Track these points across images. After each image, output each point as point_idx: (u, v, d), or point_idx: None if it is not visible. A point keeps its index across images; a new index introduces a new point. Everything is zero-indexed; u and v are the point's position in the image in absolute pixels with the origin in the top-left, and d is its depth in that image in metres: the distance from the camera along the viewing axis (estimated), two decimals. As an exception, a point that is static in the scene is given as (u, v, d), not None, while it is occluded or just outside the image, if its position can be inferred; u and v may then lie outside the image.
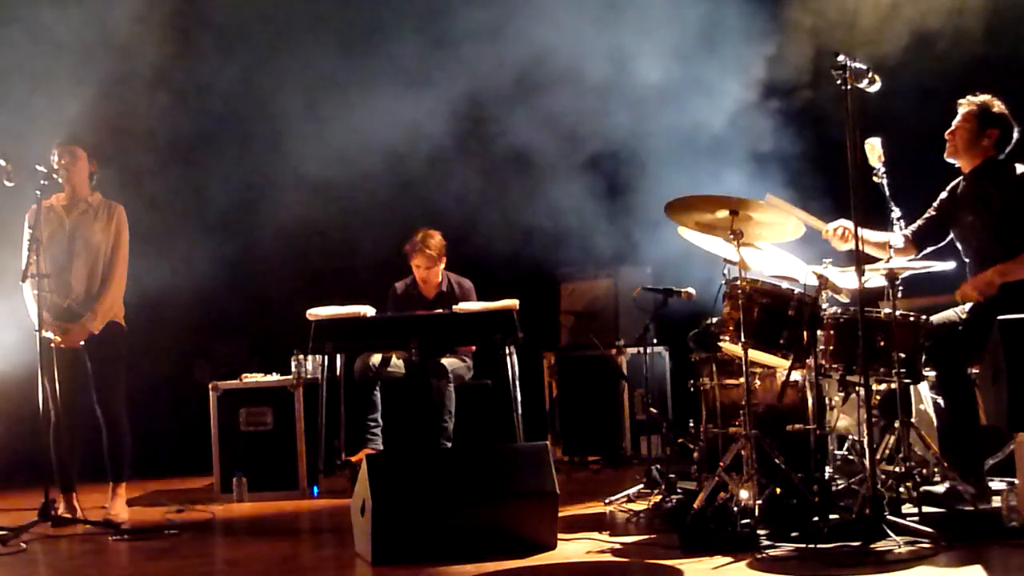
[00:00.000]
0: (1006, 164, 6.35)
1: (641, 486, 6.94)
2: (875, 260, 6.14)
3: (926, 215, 6.60)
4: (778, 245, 6.34)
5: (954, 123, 6.45)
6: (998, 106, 6.38)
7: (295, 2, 9.85)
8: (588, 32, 9.07)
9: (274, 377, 8.18)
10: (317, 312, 7.85)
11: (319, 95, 9.58)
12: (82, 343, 6.93)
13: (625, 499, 6.83)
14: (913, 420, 6.17)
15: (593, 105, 9.24)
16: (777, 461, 5.85)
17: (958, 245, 6.48)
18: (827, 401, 6.20)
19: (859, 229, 5.54)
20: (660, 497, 6.56)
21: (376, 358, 8.37)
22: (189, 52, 9.38)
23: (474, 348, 8.64)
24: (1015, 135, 6.37)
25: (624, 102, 9.08)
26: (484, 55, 9.15)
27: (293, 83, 9.68)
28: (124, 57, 8.87)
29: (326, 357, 8.02)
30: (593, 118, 9.25)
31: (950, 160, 6.50)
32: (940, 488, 6.06)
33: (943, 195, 6.58)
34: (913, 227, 6.54)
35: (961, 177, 6.49)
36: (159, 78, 9.33)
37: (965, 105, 6.42)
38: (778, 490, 5.85)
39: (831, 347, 6.05)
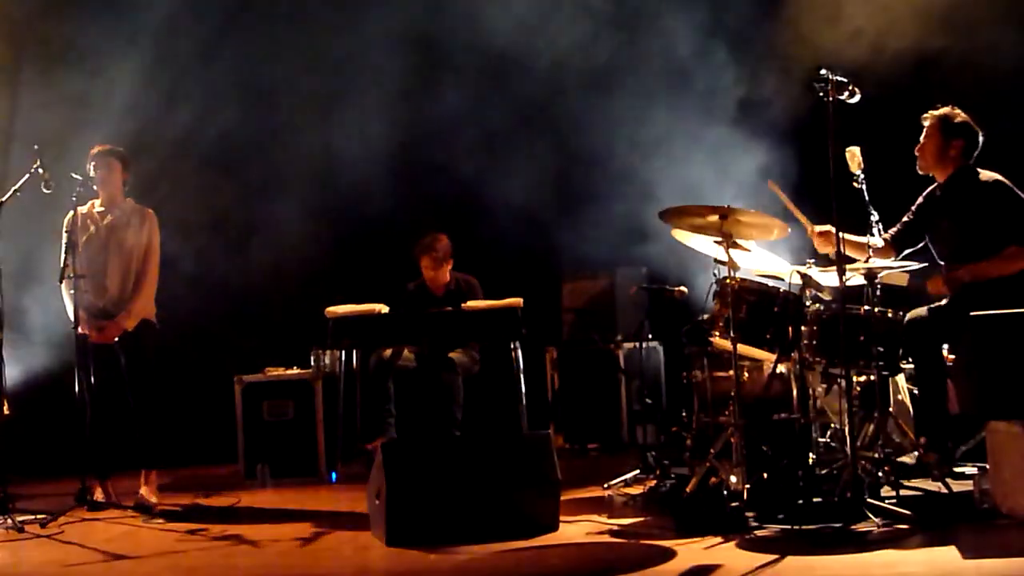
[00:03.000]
0: (973, 172, 6.36)
1: (637, 471, 6.95)
2: (855, 260, 6.14)
3: (904, 220, 6.60)
4: (764, 246, 6.35)
5: (921, 139, 6.46)
6: (960, 116, 6.38)
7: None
8: (592, 28, 9.11)
9: (295, 371, 8.20)
10: (335, 310, 7.84)
11: (334, 97, 9.61)
12: (116, 340, 6.96)
13: (622, 484, 6.84)
14: (891, 409, 6.17)
15: (589, 107, 9.28)
16: (764, 448, 5.87)
17: (932, 248, 6.50)
18: (810, 392, 6.20)
19: (841, 232, 5.57)
20: (655, 482, 6.57)
21: (389, 353, 8.38)
22: (204, 55, 9.42)
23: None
24: (980, 140, 6.38)
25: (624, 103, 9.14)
26: (488, 56, 9.19)
27: (308, 85, 9.70)
28: (148, 67, 8.94)
29: (344, 352, 8.03)
30: (590, 121, 9.29)
31: (924, 173, 6.51)
32: (910, 459, 6.10)
33: (920, 200, 6.58)
34: (892, 231, 6.55)
35: (936, 185, 6.50)
36: (179, 84, 9.38)
37: (928, 120, 6.43)
38: (765, 475, 5.86)
39: (814, 341, 6.05)
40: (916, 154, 6.46)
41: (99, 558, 5.55)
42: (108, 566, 5.41)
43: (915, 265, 6.28)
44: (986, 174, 6.32)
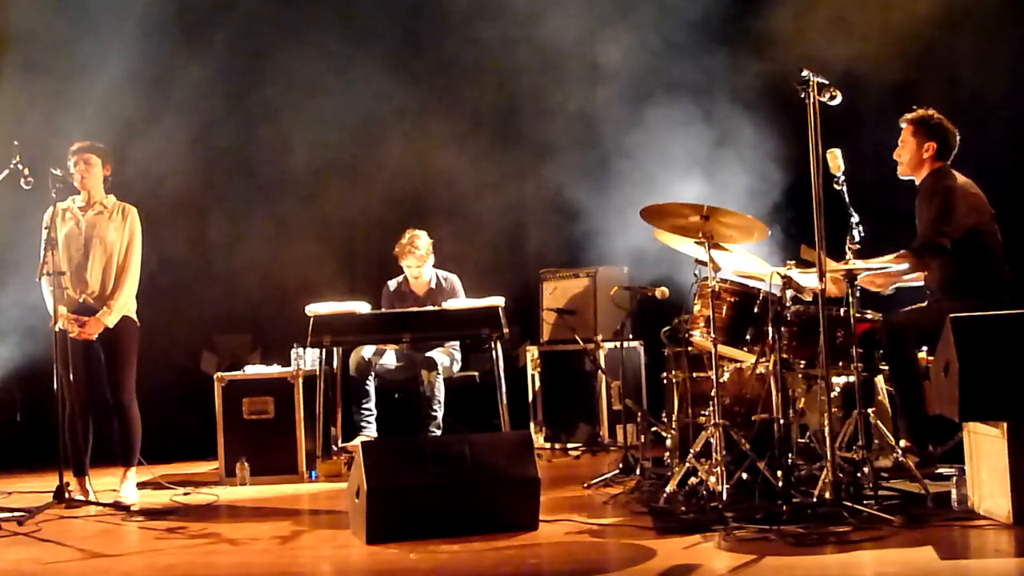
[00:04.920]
0: (945, 172, 6.40)
1: (617, 471, 6.95)
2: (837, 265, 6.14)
3: None
4: (745, 247, 6.36)
5: (899, 142, 6.50)
6: (935, 117, 6.42)
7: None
8: (576, 26, 9.12)
9: (275, 369, 8.18)
10: (316, 308, 7.86)
11: (316, 96, 9.60)
12: (96, 336, 6.93)
13: (602, 483, 6.84)
14: (871, 411, 6.18)
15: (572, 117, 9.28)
16: (744, 448, 5.87)
17: None
18: (790, 393, 6.21)
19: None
20: (635, 481, 6.58)
21: (370, 351, 8.38)
22: (191, 53, 9.41)
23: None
24: (956, 141, 6.43)
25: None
26: (470, 53, 9.20)
27: (290, 83, 9.68)
28: (134, 61, 8.92)
29: (324, 350, 8.03)
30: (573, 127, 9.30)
31: (905, 178, 6.55)
32: (888, 462, 6.11)
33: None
34: None
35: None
36: (164, 84, 9.36)
37: (904, 123, 6.47)
38: (744, 475, 5.88)
39: (794, 342, 6.07)
40: (895, 158, 6.50)
41: (77, 556, 5.53)
42: (86, 564, 5.38)
43: (894, 266, 6.30)
44: (952, 176, 6.36)
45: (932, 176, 6.43)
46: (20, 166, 6.66)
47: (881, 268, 6.20)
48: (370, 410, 8.35)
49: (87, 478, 7.02)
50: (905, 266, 6.25)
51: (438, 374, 8.33)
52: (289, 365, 8.18)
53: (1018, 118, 8.34)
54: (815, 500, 5.42)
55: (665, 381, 6.77)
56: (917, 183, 6.52)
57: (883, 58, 8.12)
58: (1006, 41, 8.39)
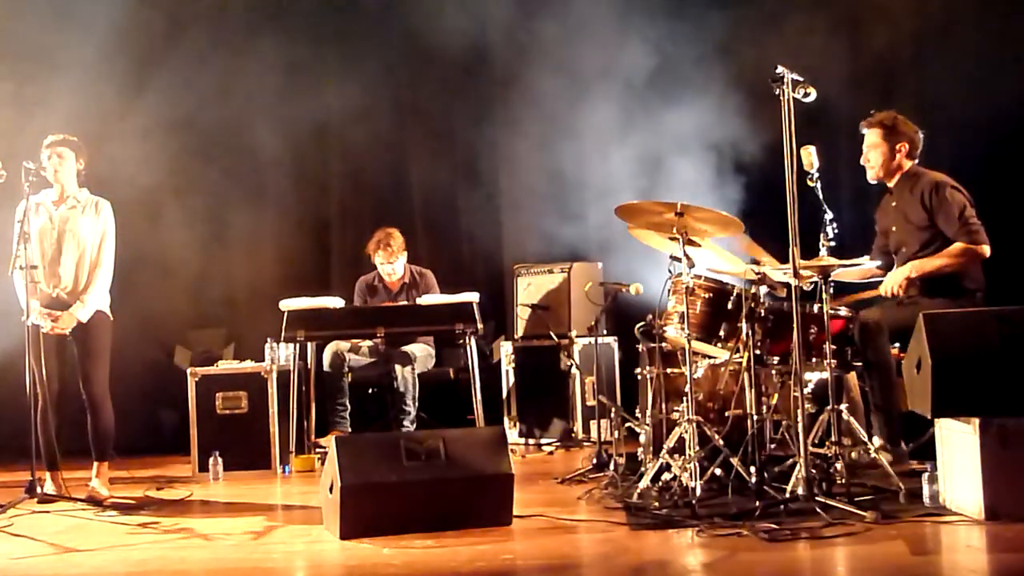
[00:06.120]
0: (920, 172, 6.42)
1: (591, 467, 6.96)
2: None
3: (876, 237, 6.68)
4: (719, 243, 6.37)
5: (864, 148, 6.51)
6: (899, 119, 6.45)
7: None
8: (532, 32, 9.13)
9: (249, 364, 8.14)
10: (289, 303, 7.83)
11: (290, 92, 9.58)
12: (69, 330, 6.88)
13: (576, 479, 6.84)
14: (844, 407, 6.19)
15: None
16: (717, 444, 5.88)
17: (892, 255, 6.57)
18: (763, 389, 6.22)
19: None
20: (608, 477, 6.58)
21: (344, 346, 8.37)
22: (164, 48, 9.39)
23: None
24: (921, 139, 6.45)
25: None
26: (442, 48, 9.19)
27: (263, 79, 9.65)
28: (108, 54, 8.87)
29: (297, 345, 8.01)
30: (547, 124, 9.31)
31: (875, 182, 6.56)
32: (861, 456, 6.13)
33: (877, 211, 6.66)
34: (872, 254, 6.62)
35: (887, 191, 6.57)
36: (141, 70, 9.32)
37: (868, 128, 6.47)
38: (718, 471, 5.88)
39: (768, 339, 6.08)
40: (863, 164, 6.52)
41: (49, 550, 5.50)
42: (58, 559, 5.35)
43: (869, 263, 6.33)
44: (931, 174, 6.39)
45: (914, 176, 6.43)
46: (-8, 160, 6.62)
47: (942, 264, 6.23)
48: (344, 405, 8.34)
49: (59, 473, 6.98)
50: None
51: (412, 369, 8.31)
52: (263, 360, 8.15)
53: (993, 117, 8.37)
54: (788, 496, 5.43)
55: (639, 377, 6.78)
56: (891, 185, 6.53)
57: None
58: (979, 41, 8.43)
